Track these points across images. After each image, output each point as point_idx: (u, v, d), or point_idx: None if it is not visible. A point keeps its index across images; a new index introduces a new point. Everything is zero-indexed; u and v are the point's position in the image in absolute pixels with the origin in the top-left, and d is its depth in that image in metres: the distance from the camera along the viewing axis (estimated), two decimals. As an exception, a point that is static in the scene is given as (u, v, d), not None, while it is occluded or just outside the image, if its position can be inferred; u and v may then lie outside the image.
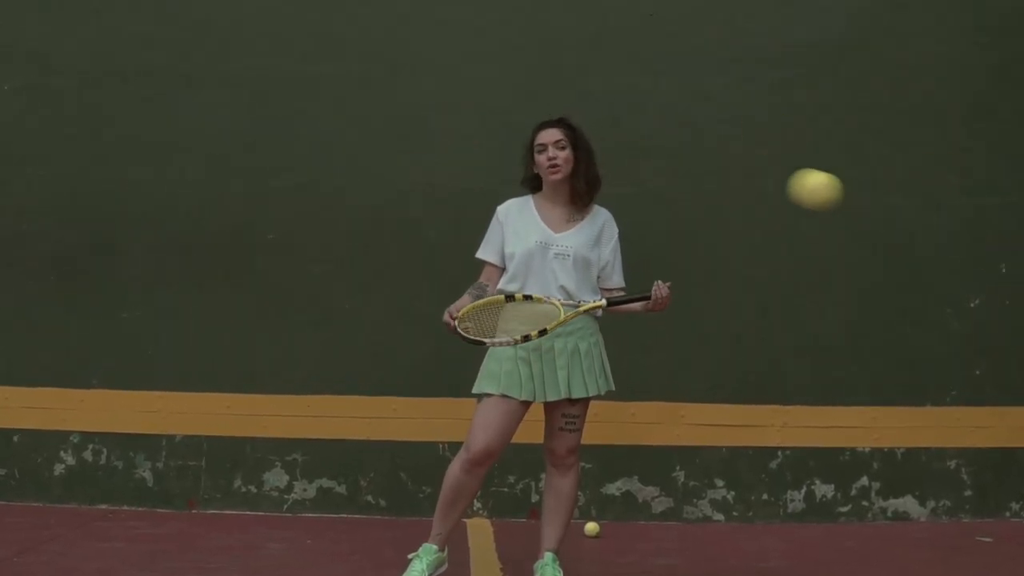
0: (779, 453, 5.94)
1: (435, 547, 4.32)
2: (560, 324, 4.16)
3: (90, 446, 5.89)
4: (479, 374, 4.33)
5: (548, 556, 4.34)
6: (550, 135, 4.38)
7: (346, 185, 6.00)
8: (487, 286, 4.36)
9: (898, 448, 5.96)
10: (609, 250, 4.43)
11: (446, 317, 4.25)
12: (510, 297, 4.24)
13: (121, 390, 5.90)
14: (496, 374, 4.26)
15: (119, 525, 5.48)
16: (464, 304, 4.23)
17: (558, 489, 4.39)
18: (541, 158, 4.37)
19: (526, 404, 4.30)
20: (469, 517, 5.82)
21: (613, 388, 4.43)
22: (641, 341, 5.87)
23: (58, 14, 6.05)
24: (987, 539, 5.53)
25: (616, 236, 4.47)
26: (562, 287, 4.28)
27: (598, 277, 4.41)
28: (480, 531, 5.53)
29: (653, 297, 4.24)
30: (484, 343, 4.15)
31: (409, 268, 5.95)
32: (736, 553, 5.21)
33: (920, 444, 5.95)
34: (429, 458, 5.83)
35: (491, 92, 6.03)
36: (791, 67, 6.07)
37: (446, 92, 6.03)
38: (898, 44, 6.13)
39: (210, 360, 5.91)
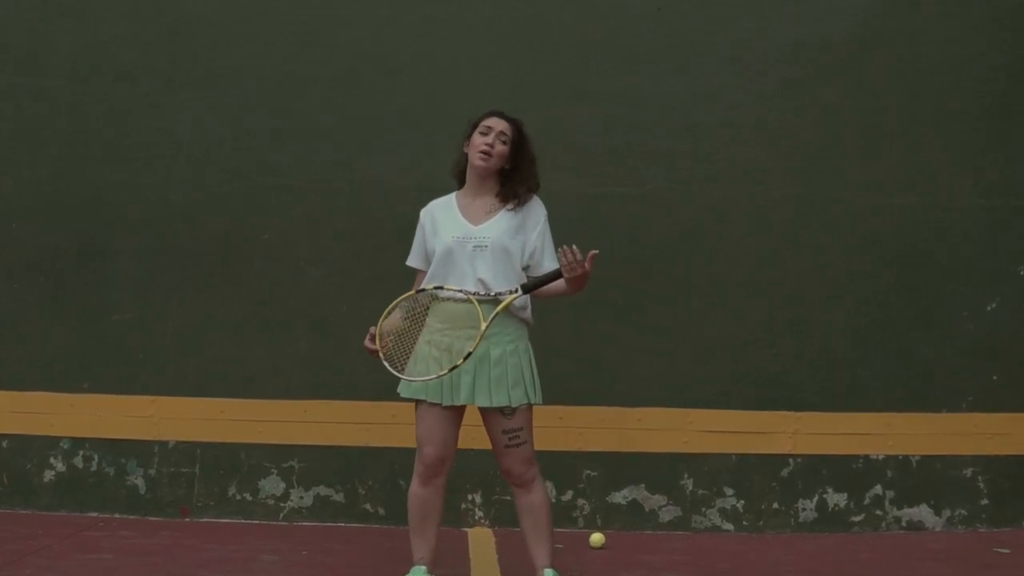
0: (790, 461, 5.81)
1: (424, 568, 4.19)
2: (482, 336, 3.98)
3: (80, 452, 5.77)
4: None
5: (548, 573, 4.17)
6: (500, 124, 4.26)
7: (341, 187, 5.88)
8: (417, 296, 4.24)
9: (913, 456, 5.83)
10: (536, 235, 4.21)
11: (367, 341, 4.16)
12: (421, 290, 4.16)
13: (112, 395, 5.77)
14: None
15: (110, 535, 5.34)
16: (392, 324, 4.16)
17: (529, 506, 4.20)
18: (479, 140, 4.23)
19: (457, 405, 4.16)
20: (471, 526, 5.70)
21: (536, 401, 4.18)
22: (647, 345, 5.76)
23: (46, 15, 5.92)
24: (1005, 550, 5.39)
25: (543, 219, 4.25)
26: (480, 280, 4.11)
27: (528, 267, 4.20)
28: (482, 541, 5.42)
29: (562, 264, 3.98)
30: (412, 380, 4.07)
31: (405, 271, 5.80)
32: (746, 564, 5.09)
33: (935, 451, 5.83)
34: (429, 465, 5.71)
35: (486, 93, 5.85)
36: (798, 67, 5.93)
37: (440, 93, 5.90)
38: (910, 43, 5.98)
39: (203, 364, 5.79)
